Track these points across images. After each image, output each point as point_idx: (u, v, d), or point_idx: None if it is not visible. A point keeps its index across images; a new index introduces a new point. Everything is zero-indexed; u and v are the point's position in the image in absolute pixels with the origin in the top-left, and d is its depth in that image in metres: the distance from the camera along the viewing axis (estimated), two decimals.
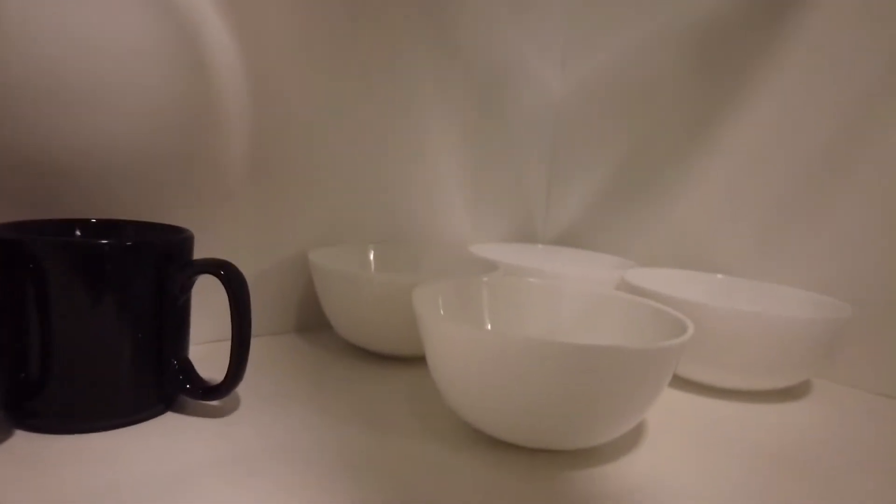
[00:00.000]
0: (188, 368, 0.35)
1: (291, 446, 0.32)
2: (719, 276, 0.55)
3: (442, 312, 0.40)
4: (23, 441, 0.30)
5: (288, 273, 0.51)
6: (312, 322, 0.53)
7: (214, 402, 0.36)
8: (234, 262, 0.34)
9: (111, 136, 0.41)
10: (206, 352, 0.40)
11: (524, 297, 0.44)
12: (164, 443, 0.31)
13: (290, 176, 0.50)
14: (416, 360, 0.46)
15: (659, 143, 0.62)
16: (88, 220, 0.38)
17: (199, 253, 0.37)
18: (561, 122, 0.71)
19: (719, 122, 0.57)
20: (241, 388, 0.37)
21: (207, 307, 0.40)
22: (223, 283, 0.33)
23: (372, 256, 0.55)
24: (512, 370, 0.30)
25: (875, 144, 0.48)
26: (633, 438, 0.36)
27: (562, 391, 0.30)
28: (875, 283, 0.48)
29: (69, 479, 0.27)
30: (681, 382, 0.46)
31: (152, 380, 0.34)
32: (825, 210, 0.51)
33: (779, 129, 0.53)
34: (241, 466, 0.30)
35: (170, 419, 0.34)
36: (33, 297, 0.30)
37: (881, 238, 0.48)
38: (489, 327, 0.43)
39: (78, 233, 0.37)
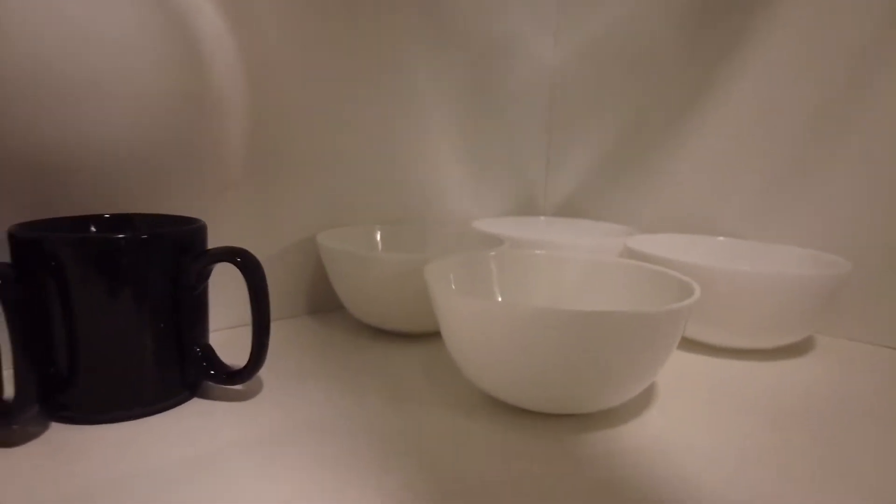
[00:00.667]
0: (210, 355, 0.36)
1: (317, 422, 0.33)
2: (720, 238, 0.56)
3: (454, 287, 0.40)
4: (58, 432, 0.31)
5: (296, 257, 0.52)
6: (323, 304, 0.54)
7: (238, 386, 0.37)
8: None
9: (112, 131, 0.41)
10: (225, 338, 0.41)
11: (531, 269, 0.45)
12: (192, 427, 0.32)
13: (293, 161, 0.50)
14: (429, 336, 0.47)
15: (655, 110, 0.62)
16: (101, 216, 0.39)
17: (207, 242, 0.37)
18: (557, 94, 0.71)
19: (715, 87, 0.57)
20: (262, 371, 0.38)
21: (223, 295, 0.41)
22: (241, 270, 0.34)
23: (379, 237, 0.55)
24: (524, 339, 0.31)
25: (869, 104, 0.48)
26: (644, 400, 0.37)
27: (573, 357, 0.31)
28: (872, 237, 0.49)
29: (103, 466, 0.28)
30: (688, 344, 0.47)
31: (176, 368, 0.35)
32: (821, 169, 0.51)
33: (774, 93, 0.53)
34: (271, 444, 0.31)
35: (196, 405, 0.35)
36: (55, 293, 0.31)
37: (876, 193, 0.48)
38: (499, 299, 0.43)
39: (93, 228, 0.38)
